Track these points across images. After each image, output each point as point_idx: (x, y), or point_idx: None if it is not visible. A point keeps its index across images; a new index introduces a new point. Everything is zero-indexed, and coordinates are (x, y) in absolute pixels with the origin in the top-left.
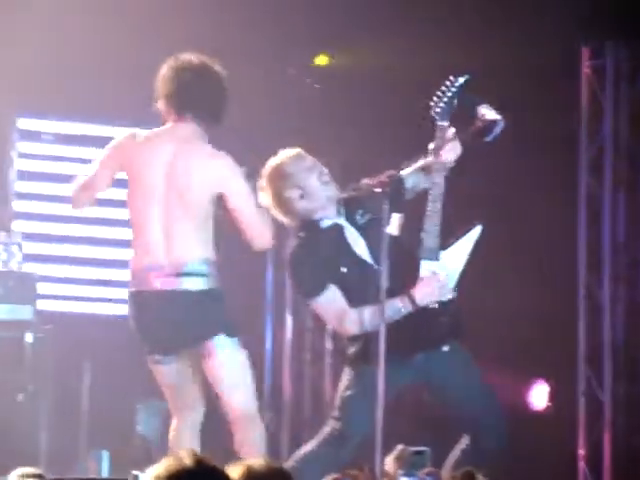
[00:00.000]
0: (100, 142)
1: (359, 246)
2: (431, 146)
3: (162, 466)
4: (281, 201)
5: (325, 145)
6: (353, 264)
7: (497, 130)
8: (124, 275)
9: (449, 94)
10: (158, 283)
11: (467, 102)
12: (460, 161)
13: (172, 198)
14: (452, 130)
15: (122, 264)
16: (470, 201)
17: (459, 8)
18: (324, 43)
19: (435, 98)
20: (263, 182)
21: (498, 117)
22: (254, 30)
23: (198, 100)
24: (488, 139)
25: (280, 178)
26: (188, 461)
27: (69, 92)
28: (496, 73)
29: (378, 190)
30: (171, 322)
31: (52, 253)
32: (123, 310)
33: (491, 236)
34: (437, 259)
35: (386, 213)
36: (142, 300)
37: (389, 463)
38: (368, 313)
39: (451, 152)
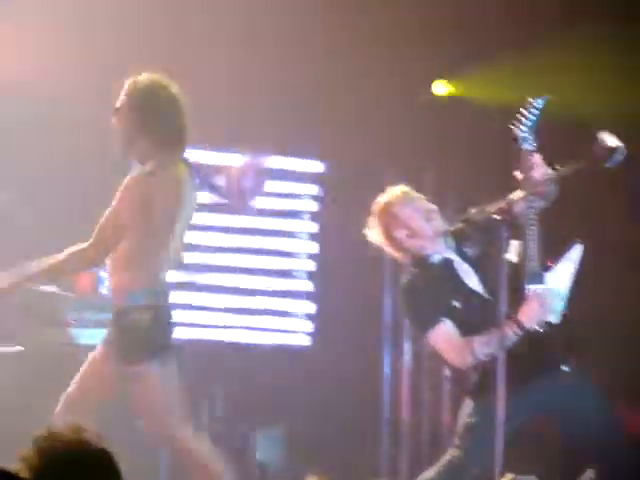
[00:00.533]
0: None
1: (470, 278)
2: (518, 174)
3: None
4: (390, 240)
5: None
6: (465, 297)
7: (618, 157)
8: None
9: (531, 117)
10: None
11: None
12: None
13: None
14: (538, 155)
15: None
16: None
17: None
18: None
19: (516, 122)
20: (373, 220)
21: (619, 144)
22: (380, 62)
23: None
24: (608, 165)
25: (388, 218)
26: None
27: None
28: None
29: (498, 217)
30: None
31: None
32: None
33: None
34: (542, 282)
35: (505, 240)
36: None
37: None
38: (479, 343)
39: (539, 177)
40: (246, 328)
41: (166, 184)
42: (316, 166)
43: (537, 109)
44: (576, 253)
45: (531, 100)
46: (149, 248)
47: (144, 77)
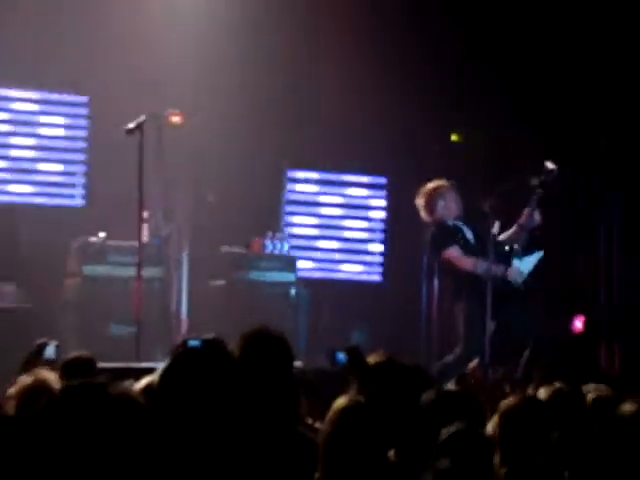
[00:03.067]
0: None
1: (469, 237)
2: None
3: None
4: (430, 205)
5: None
6: (465, 243)
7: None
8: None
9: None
10: None
11: None
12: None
13: None
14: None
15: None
16: None
17: None
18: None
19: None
20: (423, 193)
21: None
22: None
23: None
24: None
25: (435, 191)
26: None
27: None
28: None
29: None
30: None
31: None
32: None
33: None
34: (521, 260)
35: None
36: None
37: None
38: (481, 262)
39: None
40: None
41: None
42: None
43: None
44: (538, 255)
45: (550, 167)
46: None
47: None
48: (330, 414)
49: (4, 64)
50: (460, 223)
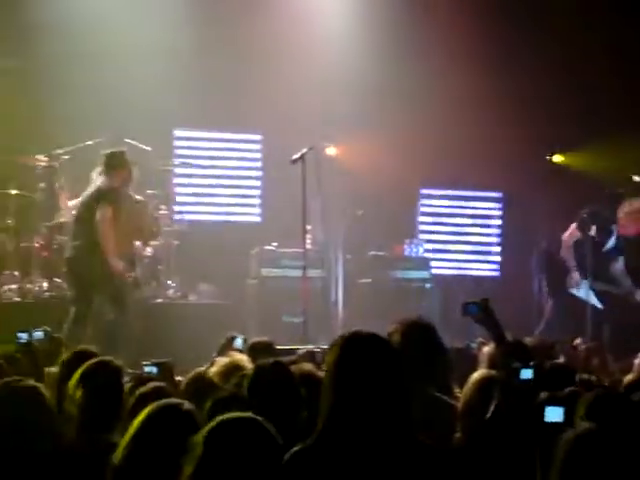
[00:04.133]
0: None
1: None
2: None
3: None
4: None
5: None
6: None
7: None
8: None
9: None
10: None
11: None
12: None
13: None
14: None
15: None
16: None
17: None
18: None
19: None
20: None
21: None
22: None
23: None
24: None
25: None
26: None
27: None
28: None
29: None
30: None
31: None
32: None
33: None
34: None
35: None
36: None
37: None
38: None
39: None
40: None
41: None
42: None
43: None
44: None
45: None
46: None
47: None
48: (469, 385)
49: (196, 110)
50: None
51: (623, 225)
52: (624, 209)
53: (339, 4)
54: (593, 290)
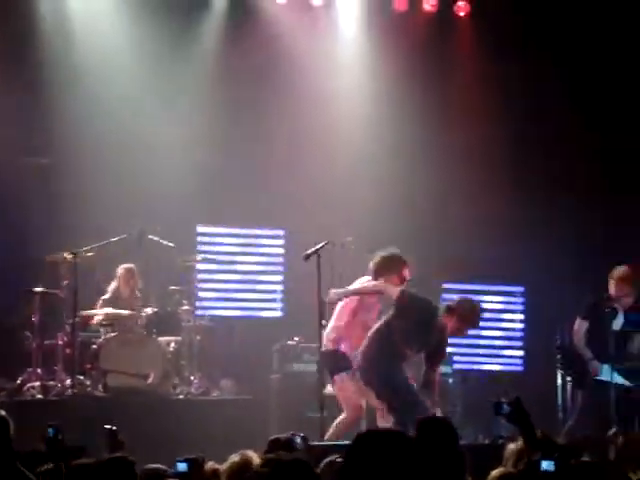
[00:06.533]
0: None
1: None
2: None
3: None
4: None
5: None
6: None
7: None
8: None
9: None
10: None
11: None
12: None
13: None
14: None
15: None
16: None
17: None
18: None
19: None
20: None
21: None
22: None
23: None
24: None
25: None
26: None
27: None
28: None
29: None
30: None
31: None
32: None
33: None
34: None
35: None
36: None
37: None
38: None
39: None
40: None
41: None
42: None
43: None
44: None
45: None
46: None
47: None
48: None
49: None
50: None
51: (618, 297)
52: (611, 286)
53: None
54: (616, 370)
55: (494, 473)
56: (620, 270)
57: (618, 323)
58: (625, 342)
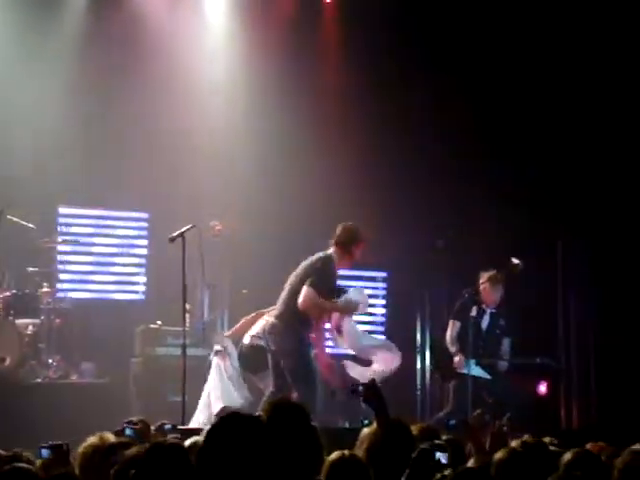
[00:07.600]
0: None
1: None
2: None
3: None
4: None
5: None
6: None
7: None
8: None
9: None
10: None
11: None
12: None
13: None
14: None
15: None
16: None
17: None
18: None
19: None
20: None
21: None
22: None
23: None
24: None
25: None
26: None
27: None
28: None
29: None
30: None
31: None
32: None
33: None
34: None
35: None
36: None
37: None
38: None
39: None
40: None
41: None
42: None
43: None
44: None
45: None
46: None
47: None
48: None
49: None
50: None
51: (484, 300)
52: (481, 287)
53: (224, 78)
54: (478, 364)
55: (332, 456)
56: (488, 274)
57: (485, 323)
58: (489, 340)
